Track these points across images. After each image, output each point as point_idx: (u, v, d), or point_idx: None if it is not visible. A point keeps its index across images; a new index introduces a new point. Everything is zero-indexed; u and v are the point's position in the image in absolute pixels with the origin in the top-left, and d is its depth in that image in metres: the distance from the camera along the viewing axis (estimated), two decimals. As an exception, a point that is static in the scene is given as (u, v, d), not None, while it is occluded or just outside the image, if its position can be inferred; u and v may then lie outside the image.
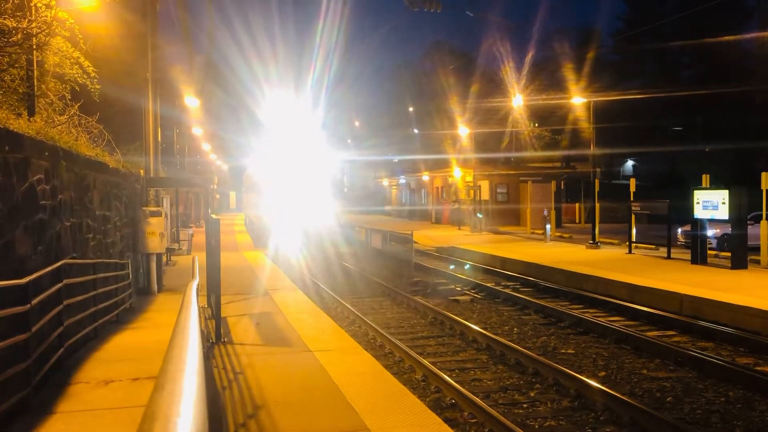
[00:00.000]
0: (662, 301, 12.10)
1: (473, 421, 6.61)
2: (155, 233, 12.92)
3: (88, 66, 10.25)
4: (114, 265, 10.41)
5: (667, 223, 17.84)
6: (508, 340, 9.82)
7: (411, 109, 56.77)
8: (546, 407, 7.13)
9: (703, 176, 17.11)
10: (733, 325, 10.32)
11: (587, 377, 7.73)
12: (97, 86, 10.56)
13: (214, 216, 11.27)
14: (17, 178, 5.90)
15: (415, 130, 56.16)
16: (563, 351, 9.62)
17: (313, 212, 21.85)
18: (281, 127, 34.24)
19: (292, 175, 22.77)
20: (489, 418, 6.40)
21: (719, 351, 9.33)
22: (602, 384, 7.43)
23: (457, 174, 38.53)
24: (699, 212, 16.17)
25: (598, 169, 26.86)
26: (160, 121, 14.75)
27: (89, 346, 8.01)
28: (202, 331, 5.97)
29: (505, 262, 18.96)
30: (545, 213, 26.28)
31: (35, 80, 8.66)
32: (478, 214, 31.80)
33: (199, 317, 4.44)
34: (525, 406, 7.19)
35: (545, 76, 43.05)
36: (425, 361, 8.48)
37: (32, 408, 5.44)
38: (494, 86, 43.52)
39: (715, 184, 16.99)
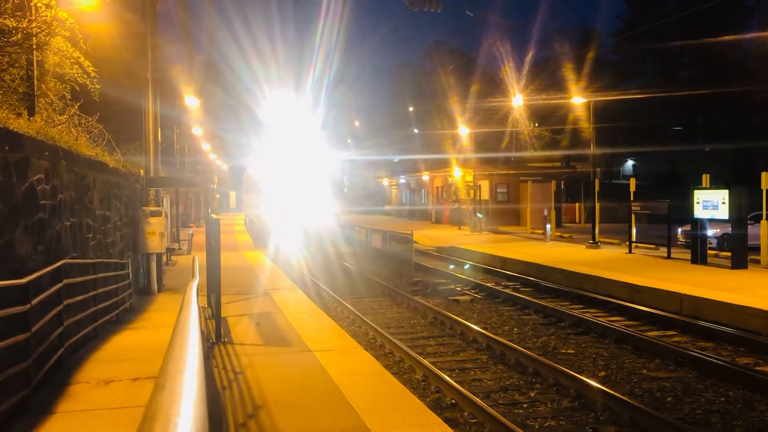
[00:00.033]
0: (662, 301, 12.10)
1: (473, 421, 6.61)
2: (155, 233, 12.92)
3: (88, 66, 10.25)
4: (114, 264, 10.41)
5: (667, 223, 17.84)
6: (508, 340, 9.82)
7: (411, 109, 56.78)
8: (546, 407, 7.13)
9: (703, 176, 17.11)
10: (733, 325, 10.32)
11: (587, 377, 7.73)
12: (97, 86, 10.56)
13: (214, 216, 11.27)
14: (17, 178, 5.90)
15: (415, 130, 56.17)
16: (563, 351, 9.61)
17: (313, 212, 21.85)
18: (281, 127, 34.25)
19: (292, 175, 22.77)
20: (489, 418, 6.40)
21: (719, 351, 9.33)
22: (602, 384, 7.43)
23: (457, 174, 38.54)
24: (699, 212, 16.17)
25: (598, 169, 26.84)
26: (160, 121, 14.76)
27: (89, 346, 8.01)
28: (202, 331, 5.97)
29: (505, 261, 18.96)
30: (545, 213, 26.28)
31: (35, 80, 8.66)
32: (478, 214, 31.81)
33: (199, 317, 4.44)
34: (525, 406, 7.19)
35: (545, 76, 43.06)
36: (425, 361, 8.48)
37: (32, 408, 5.43)
38: (494, 86, 43.52)
39: (715, 184, 16.99)
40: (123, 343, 8.41)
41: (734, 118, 42.86)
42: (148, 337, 8.78)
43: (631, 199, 19.56)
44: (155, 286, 13.09)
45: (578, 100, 30.58)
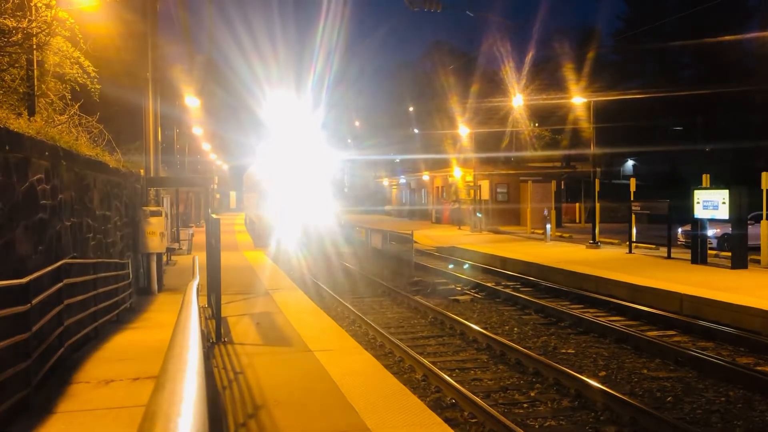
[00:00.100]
0: (662, 301, 12.10)
1: (473, 420, 6.61)
2: (155, 233, 12.92)
3: (88, 66, 10.25)
4: (114, 264, 10.41)
5: (667, 223, 17.83)
6: (509, 340, 9.81)
7: (411, 108, 56.83)
8: (546, 407, 7.13)
9: (704, 176, 17.10)
10: (733, 325, 10.32)
11: (587, 377, 7.73)
12: (97, 86, 10.56)
13: (214, 216, 11.27)
14: (17, 178, 5.90)
15: (416, 130, 56.21)
16: (563, 351, 9.61)
17: (314, 212, 21.86)
18: (282, 126, 34.24)
19: (292, 175, 22.78)
20: (489, 418, 6.40)
21: (719, 351, 9.33)
22: (602, 384, 7.43)
23: (457, 174, 38.53)
24: (699, 212, 16.17)
25: (598, 169, 26.84)
26: (161, 121, 14.76)
27: (90, 345, 8.01)
28: (202, 331, 5.97)
29: (505, 261, 18.96)
30: (545, 213, 26.27)
31: (35, 80, 8.66)
32: (478, 214, 31.81)
33: (200, 317, 4.44)
34: (525, 405, 7.18)
35: (545, 76, 43.08)
36: (425, 361, 8.47)
37: (33, 408, 5.44)
38: (494, 86, 43.56)
39: (715, 184, 16.98)
40: (123, 342, 8.41)
41: (734, 118, 42.89)
42: (149, 336, 8.78)
43: (632, 199, 19.56)
44: (155, 286, 13.09)
45: (578, 100, 30.59)
